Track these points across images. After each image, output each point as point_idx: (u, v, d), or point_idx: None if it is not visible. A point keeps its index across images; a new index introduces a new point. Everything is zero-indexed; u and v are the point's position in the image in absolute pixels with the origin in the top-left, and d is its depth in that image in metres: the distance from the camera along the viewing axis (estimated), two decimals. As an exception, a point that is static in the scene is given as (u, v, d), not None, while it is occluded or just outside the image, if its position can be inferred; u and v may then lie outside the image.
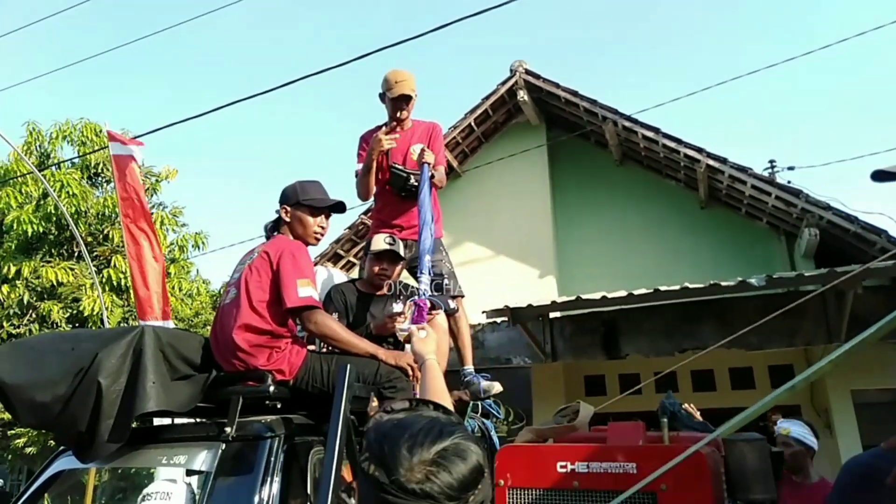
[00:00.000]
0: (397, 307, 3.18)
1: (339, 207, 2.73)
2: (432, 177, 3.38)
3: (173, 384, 2.21)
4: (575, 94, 7.84)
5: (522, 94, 8.14)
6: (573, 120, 8.35)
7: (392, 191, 3.52)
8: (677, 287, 5.60)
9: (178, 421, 2.47)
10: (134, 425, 2.16)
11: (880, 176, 1.70)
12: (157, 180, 10.71)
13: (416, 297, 2.86)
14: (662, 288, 5.63)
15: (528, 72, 8.12)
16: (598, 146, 8.61)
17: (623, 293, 5.77)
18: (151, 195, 10.57)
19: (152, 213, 10.11)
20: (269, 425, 2.15)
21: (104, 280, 8.99)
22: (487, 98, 8.35)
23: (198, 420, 2.49)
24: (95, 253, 9.53)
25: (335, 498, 1.82)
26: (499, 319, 6.77)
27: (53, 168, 9.57)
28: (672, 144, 7.32)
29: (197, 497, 2.16)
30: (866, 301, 5.46)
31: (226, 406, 2.18)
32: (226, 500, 1.98)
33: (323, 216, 2.68)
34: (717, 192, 7.78)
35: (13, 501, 2.34)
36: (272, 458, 2.02)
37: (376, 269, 3.25)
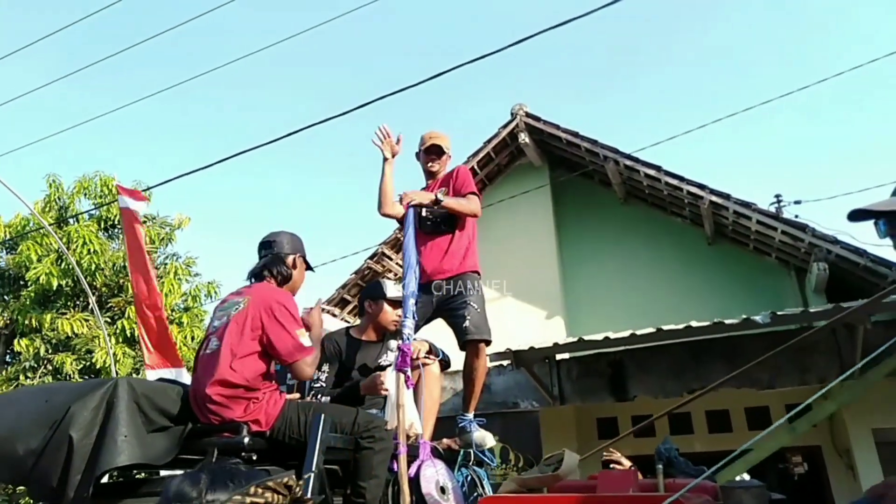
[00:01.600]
0: (391, 355, 3.18)
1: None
2: (428, 216, 3.46)
3: (149, 436, 2.18)
4: (576, 134, 7.90)
5: (524, 137, 8.23)
6: (575, 160, 8.40)
7: (424, 233, 3.52)
8: (681, 326, 5.51)
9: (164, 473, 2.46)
10: (107, 479, 2.17)
11: (856, 215, 1.68)
12: (171, 229, 10.92)
13: (399, 342, 2.83)
14: (666, 327, 5.54)
15: (528, 114, 8.22)
16: (602, 185, 8.62)
17: (626, 333, 5.69)
18: (166, 245, 10.78)
19: (166, 264, 10.32)
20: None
21: (118, 331, 9.11)
22: (489, 141, 8.45)
23: (173, 473, 2.42)
24: (110, 304, 9.69)
25: None
26: (504, 362, 6.70)
27: (72, 221, 9.83)
28: (674, 182, 7.31)
29: None
30: (878, 334, 5.31)
31: (203, 457, 2.20)
32: None
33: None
34: (723, 228, 7.71)
35: None
36: None
37: (396, 316, 3.24)
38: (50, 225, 9.14)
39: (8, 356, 10.17)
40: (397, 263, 8.88)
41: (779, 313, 5.17)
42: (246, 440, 2.25)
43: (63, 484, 1.99)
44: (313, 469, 1.99)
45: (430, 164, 3.65)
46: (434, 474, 2.76)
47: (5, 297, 10.10)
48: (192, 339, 10.48)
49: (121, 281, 9.95)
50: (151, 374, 6.12)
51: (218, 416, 2.30)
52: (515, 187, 8.67)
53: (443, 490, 2.77)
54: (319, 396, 3.08)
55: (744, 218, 6.99)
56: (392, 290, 3.32)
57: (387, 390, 2.85)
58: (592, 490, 2.29)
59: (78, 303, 9.76)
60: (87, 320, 9.10)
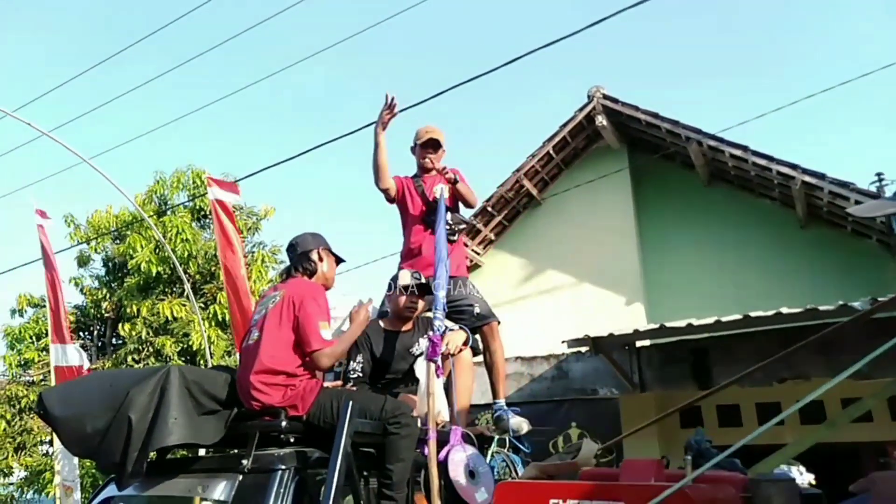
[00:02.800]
0: (423, 343, 3.23)
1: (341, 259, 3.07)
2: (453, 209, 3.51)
3: (200, 418, 2.42)
4: (656, 115, 7.65)
5: (601, 119, 8.05)
6: (655, 142, 8.14)
7: (425, 227, 3.60)
8: (771, 313, 5.27)
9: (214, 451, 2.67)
10: (156, 456, 2.45)
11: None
12: (257, 219, 11.42)
13: (430, 333, 2.90)
14: (754, 314, 5.32)
15: (605, 96, 8.03)
16: (684, 167, 8.32)
17: (711, 320, 5.51)
18: (253, 234, 11.29)
19: (253, 252, 10.81)
20: (281, 458, 2.31)
21: (210, 316, 9.65)
22: (565, 125, 8.32)
23: (218, 453, 2.68)
24: (203, 290, 10.27)
25: None
26: (583, 349, 6.64)
27: (169, 213, 10.48)
28: (763, 162, 6.96)
29: None
30: None
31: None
32: None
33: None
34: (817, 210, 7.28)
35: None
36: (282, 489, 2.19)
37: (404, 302, 3.29)
38: (150, 216, 9.78)
39: (113, 339, 11.01)
40: (473, 250, 8.94)
41: (880, 299, 4.85)
42: (283, 424, 2.45)
43: (123, 458, 2.26)
44: (340, 451, 2.13)
45: (426, 159, 3.64)
46: (463, 459, 2.82)
47: (112, 284, 10.89)
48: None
49: (212, 268, 10.53)
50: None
51: (259, 402, 2.49)
52: (593, 171, 8.50)
53: (472, 474, 2.82)
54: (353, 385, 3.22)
55: (840, 199, 6.57)
56: (405, 278, 3.34)
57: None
58: (615, 478, 2.26)
59: (175, 289, 10.42)
60: (183, 305, 9.70)
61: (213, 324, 9.58)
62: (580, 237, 8.48)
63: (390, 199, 3.71)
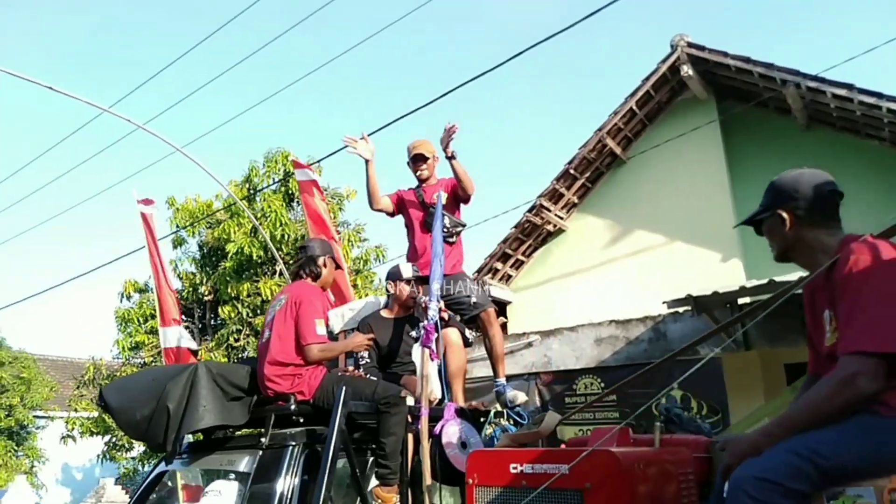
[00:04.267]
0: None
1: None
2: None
3: (229, 404, 2.95)
4: (747, 60, 7.23)
5: (686, 69, 7.68)
6: (746, 89, 7.71)
7: (424, 231, 3.97)
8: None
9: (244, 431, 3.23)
10: (202, 437, 3.00)
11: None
12: (340, 200, 11.67)
13: (424, 322, 3.23)
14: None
15: (690, 45, 7.65)
16: (779, 113, 7.86)
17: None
18: (336, 214, 11.54)
19: (339, 232, 11.07)
20: (292, 436, 2.78)
21: (302, 294, 10.00)
22: (648, 78, 8.00)
23: (244, 433, 3.22)
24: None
25: (327, 493, 2.46)
26: (681, 309, 6.47)
27: (259, 197, 10.86)
28: (871, 101, 6.47)
29: (242, 492, 2.71)
30: None
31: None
32: (260, 495, 2.60)
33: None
34: (934, 148, 6.73)
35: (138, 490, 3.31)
36: (293, 462, 2.66)
37: (409, 291, 3.73)
38: (242, 199, 10.16)
39: (213, 321, 11.59)
40: (556, 215, 8.82)
41: None
42: (293, 407, 2.96)
43: (164, 440, 2.78)
44: (335, 429, 2.56)
45: (419, 172, 4.06)
46: (457, 432, 3.11)
47: (208, 268, 11.43)
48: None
49: (303, 249, 10.89)
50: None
51: (272, 390, 2.99)
52: (679, 125, 8.16)
53: (464, 445, 3.10)
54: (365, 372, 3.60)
55: (963, 133, 6.05)
56: (407, 270, 3.78)
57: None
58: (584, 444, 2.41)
59: (268, 270, 10.84)
60: (279, 286, 10.08)
61: (305, 301, 9.92)
62: (669, 194, 8.20)
63: (390, 215, 4.16)
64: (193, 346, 7.92)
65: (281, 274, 9.88)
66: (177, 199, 11.20)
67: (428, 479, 2.83)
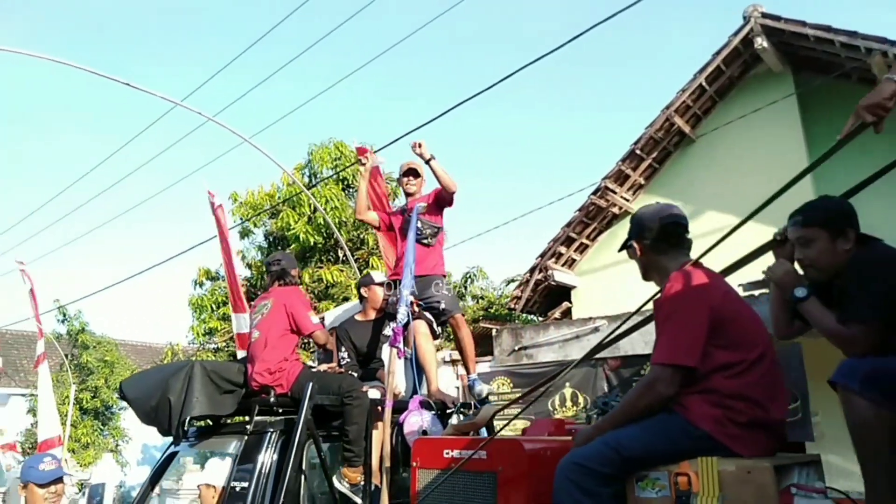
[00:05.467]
0: (388, 330, 4.05)
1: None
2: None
3: (220, 396, 3.41)
4: (828, 29, 6.82)
5: (761, 41, 7.32)
6: (827, 59, 7.28)
7: (402, 237, 4.27)
8: None
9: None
10: (211, 423, 3.55)
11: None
12: (397, 185, 11.76)
13: (393, 324, 3.57)
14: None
15: (765, 15, 7.27)
16: (863, 84, 7.38)
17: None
18: (394, 199, 11.65)
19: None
20: (271, 423, 3.25)
21: (365, 279, 10.17)
22: (719, 53, 7.67)
23: (238, 420, 3.68)
24: (355, 256, 10.81)
25: (296, 472, 2.97)
26: (757, 292, 6.21)
27: (319, 186, 11.07)
28: (969, 66, 5.99)
29: (231, 469, 3.24)
30: None
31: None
32: (244, 472, 3.10)
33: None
34: None
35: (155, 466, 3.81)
36: (271, 445, 3.13)
37: (383, 295, 4.15)
38: (300, 192, 10.37)
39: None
40: (622, 197, 8.61)
41: None
42: (272, 399, 3.39)
43: (169, 426, 3.28)
44: (302, 418, 3.04)
45: (408, 185, 4.39)
46: (419, 421, 3.39)
47: (272, 256, 11.76)
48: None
49: (361, 235, 11.05)
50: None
51: (257, 383, 3.43)
52: (752, 101, 7.80)
53: (425, 433, 3.35)
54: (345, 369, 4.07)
55: None
56: (378, 276, 4.32)
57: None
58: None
59: (329, 257, 11.05)
60: (341, 271, 10.27)
61: (368, 287, 10.09)
62: (742, 174, 7.86)
63: (376, 228, 4.65)
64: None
65: (345, 261, 10.05)
66: (239, 195, 11.55)
67: (387, 462, 3.22)
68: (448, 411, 3.87)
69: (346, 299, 10.07)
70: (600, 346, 2.50)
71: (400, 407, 3.49)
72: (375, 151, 8.69)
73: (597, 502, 1.86)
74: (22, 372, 18.42)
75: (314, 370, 3.69)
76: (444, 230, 4.28)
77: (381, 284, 4.22)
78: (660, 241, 2.22)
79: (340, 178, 11.45)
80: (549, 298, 9.54)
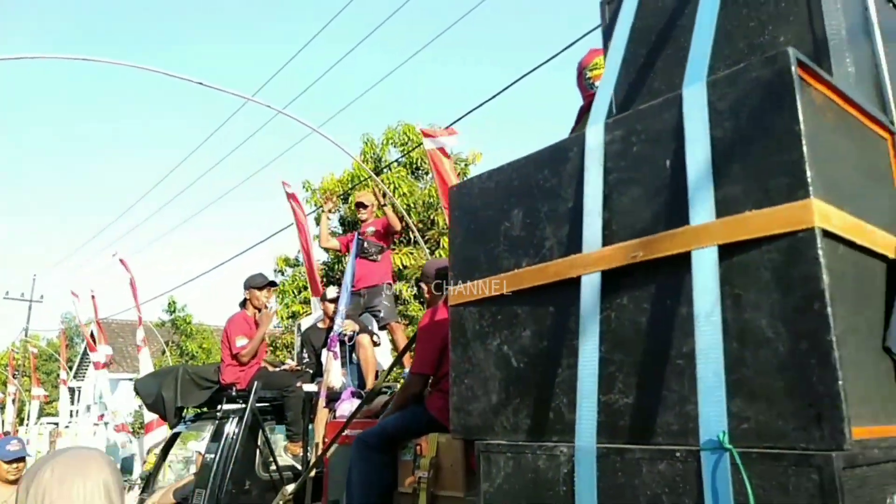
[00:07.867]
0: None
1: (274, 283, 5.31)
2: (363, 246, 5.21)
3: (198, 392, 4.82)
4: None
5: None
6: None
7: (355, 255, 5.20)
8: None
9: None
10: (204, 410, 5.03)
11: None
12: (465, 164, 11.83)
13: (332, 333, 4.65)
14: None
15: None
16: None
17: None
18: (462, 179, 11.73)
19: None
20: (234, 411, 4.44)
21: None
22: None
23: (210, 408, 4.96)
24: (426, 237, 11.01)
25: (244, 447, 4.21)
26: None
27: (386, 171, 11.30)
28: None
29: (207, 444, 4.51)
30: None
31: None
32: (215, 447, 4.27)
33: (266, 290, 5.02)
34: None
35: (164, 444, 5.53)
36: (232, 427, 4.30)
37: (332, 309, 5.00)
38: (368, 177, 10.62)
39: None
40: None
41: None
42: (233, 393, 4.60)
43: (166, 413, 4.93)
44: (249, 406, 4.29)
45: (360, 214, 5.54)
46: (350, 407, 3.90)
47: (349, 241, 12.13)
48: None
49: (431, 216, 11.22)
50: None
51: (224, 381, 4.67)
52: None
53: None
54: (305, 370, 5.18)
55: None
56: (331, 293, 5.23)
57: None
58: None
59: (402, 240, 11.33)
60: (411, 253, 10.50)
61: (440, 267, 10.26)
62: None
63: (338, 251, 5.86)
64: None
65: (416, 243, 10.26)
66: (312, 183, 11.94)
67: (318, 439, 4.15)
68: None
69: (418, 280, 10.32)
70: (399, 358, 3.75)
71: (334, 397, 4.37)
72: (447, 127, 8.83)
73: (373, 464, 2.74)
74: (128, 358, 19.96)
75: (268, 371, 4.84)
76: (389, 249, 5.47)
77: (332, 301, 5.11)
78: (437, 286, 3.01)
79: (408, 161, 11.64)
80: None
